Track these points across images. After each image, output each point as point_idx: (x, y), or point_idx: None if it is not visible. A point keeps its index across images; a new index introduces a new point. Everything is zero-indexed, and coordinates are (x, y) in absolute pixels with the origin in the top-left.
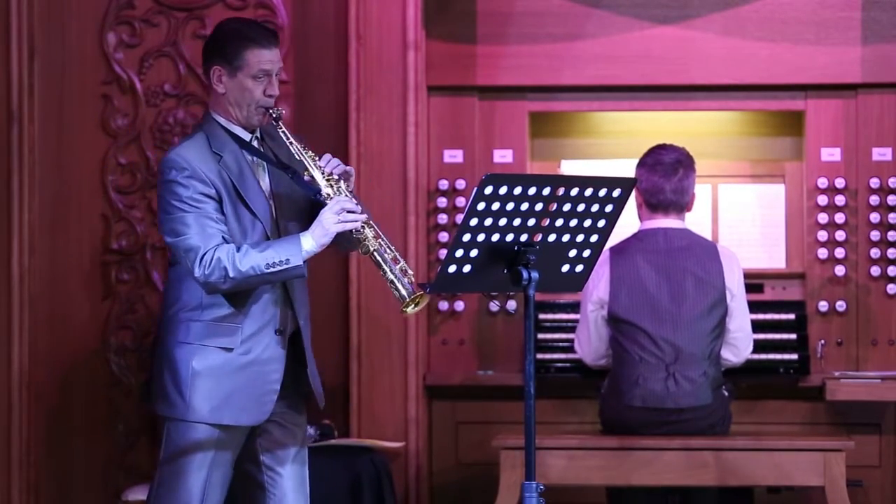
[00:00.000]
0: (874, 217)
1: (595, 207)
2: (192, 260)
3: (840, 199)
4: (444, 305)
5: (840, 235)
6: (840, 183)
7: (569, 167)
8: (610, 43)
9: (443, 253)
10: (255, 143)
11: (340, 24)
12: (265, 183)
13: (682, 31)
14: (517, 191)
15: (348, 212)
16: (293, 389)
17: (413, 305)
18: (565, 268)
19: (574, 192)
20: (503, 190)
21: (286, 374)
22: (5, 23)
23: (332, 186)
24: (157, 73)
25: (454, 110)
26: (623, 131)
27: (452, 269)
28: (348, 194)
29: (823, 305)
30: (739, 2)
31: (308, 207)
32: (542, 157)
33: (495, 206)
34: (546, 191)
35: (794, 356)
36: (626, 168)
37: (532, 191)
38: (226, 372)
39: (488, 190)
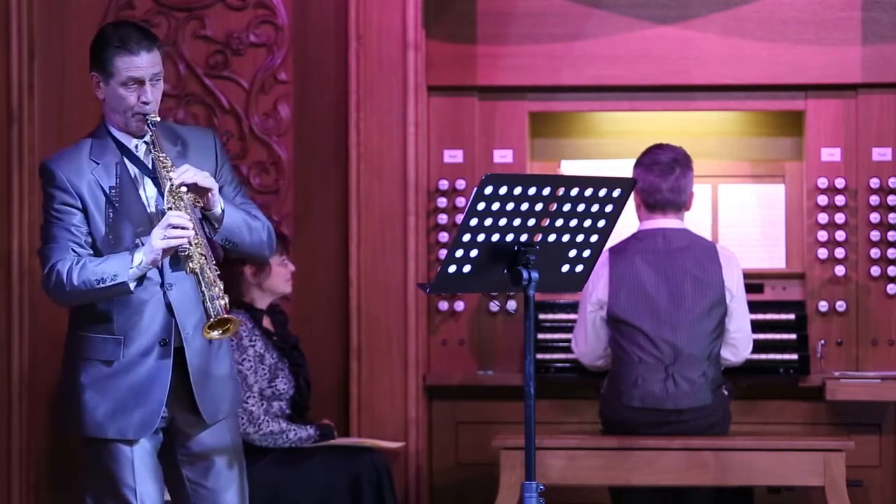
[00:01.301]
0: (874, 217)
1: (595, 207)
2: (42, 271)
3: (840, 199)
4: (444, 305)
5: (840, 235)
6: (840, 183)
7: (569, 167)
8: (610, 43)
9: (443, 253)
10: (141, 150)
11: (340, 24)
12: (152, 193)
13: (682, 31)
14: (517, 191)
15: (176, 228)
16: (187, 402)
17: (216, 331)
18: (565, 268)
19: (574, 192)
20: (503, 190)
21: (182, 384)
22: (5, 23)
23: (173, 199)
24: None
25: (454, 110)
26: (623, 131)
27: (452, 269)
28: (189, 210)
29: (823, 305)
30: (739, 2)
31: (200, 217)
32: (542, 157)
33: (495, 206)
34: (546, 191)
35: (794, 356)
36: (626, 168)
37: (532, 191)
38: (108, 386)
39: (488, 190)
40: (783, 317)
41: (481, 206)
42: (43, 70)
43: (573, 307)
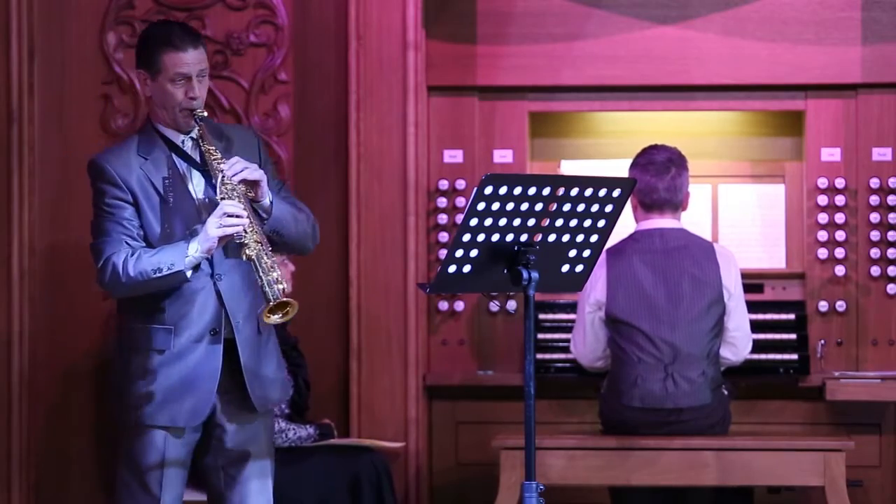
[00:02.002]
0: (874, 217)
1: (595, 207)
2: (96, 265)
3: (840, 199)
4: (444, 305)
5: (840, 235)
6: (840, 183)
7: (569, 167)
8: (610, 43)
9: (443, 253)
10: (188, 145)
11: (340, 24)
12: (200, 186)
13: (682, 31)
14: (517, 191)
15: (231, 216)
16: (238, 393)
17: (276, 314)
18: (565, 268)
19: (574, 192)
20: (503, 190)
21: (229, 377)
22: (5, 23)
23: (226, 191)
24: None
25: (454, 110)
26: (623, 131)
27: (452, 269)
28: (242, 199)
29: (823, 305)
30: (739, 2)
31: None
32: (542, 157)
33: (495, 206)
34: (546, 191)
35: (794, 356)
36: (626, 168)
37: (532, 191)
38: (159, 375)
39: (488, 190)
40: (783, 317)
41: (481, 206)
42: (43, 70)
43: (573, 307)
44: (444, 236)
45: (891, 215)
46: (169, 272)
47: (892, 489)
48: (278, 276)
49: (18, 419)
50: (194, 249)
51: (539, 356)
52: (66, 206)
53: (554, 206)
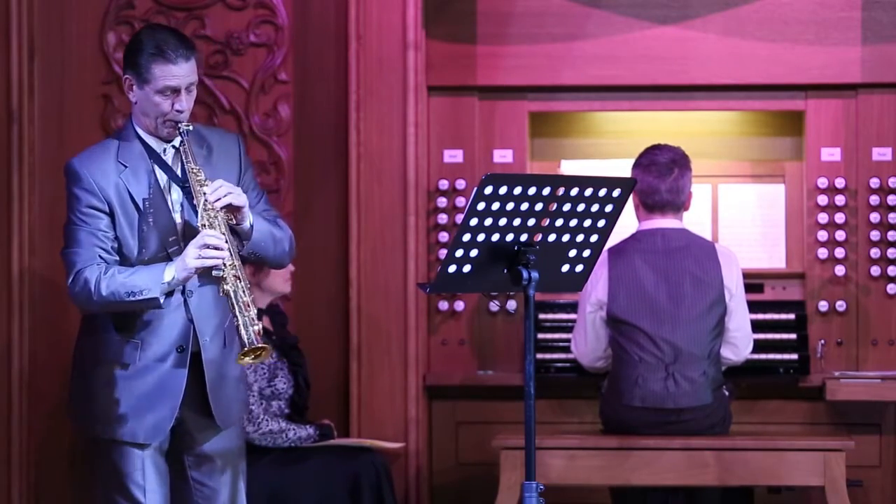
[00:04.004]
0: (874, 217)
1: (595, 207)
2: (67, 275)
3: (840, 199)
4: (444, 305)
5: (840, 235)
6: (840, 183)
7: (569, 167)
8: (610, 43)
9: (443, 253)
10: (169, 154)
11: (340, 24)
12: (178, 200)
13: (682, 31)
14: (517, 191)
15: (210, 248)
16: (201, 405)
17: (251, 357)
18: (565, 268)
19: (574, 192)
20: (503, 190)
21: (196, 388)
22: (5, 23)
23: (207, 216)
24: None
25: (454, 110)
26: (623, 131)
27: (452, 268)
28: (223, 228)
29: (823, 305)
30: (739, 2)
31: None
32: (542, 157)
33: (495, 206)
34: (546, 191)
35: (794, 356)
36: (625, 168)
37: (532, 191)
38: (123, 388)
39: (488, 190)
40: (783, 317)
41: (481, 205)
42: (43, 70)
43: (573, 307)
44: (444, 236)
45: (891, 215)
46: (142, 297)
47: (892, 489)
48: (253, 316)
49: (18, 419)
50: (170, 276)
51: (539, 356)
52: (66, 206)
53: (554, 206)
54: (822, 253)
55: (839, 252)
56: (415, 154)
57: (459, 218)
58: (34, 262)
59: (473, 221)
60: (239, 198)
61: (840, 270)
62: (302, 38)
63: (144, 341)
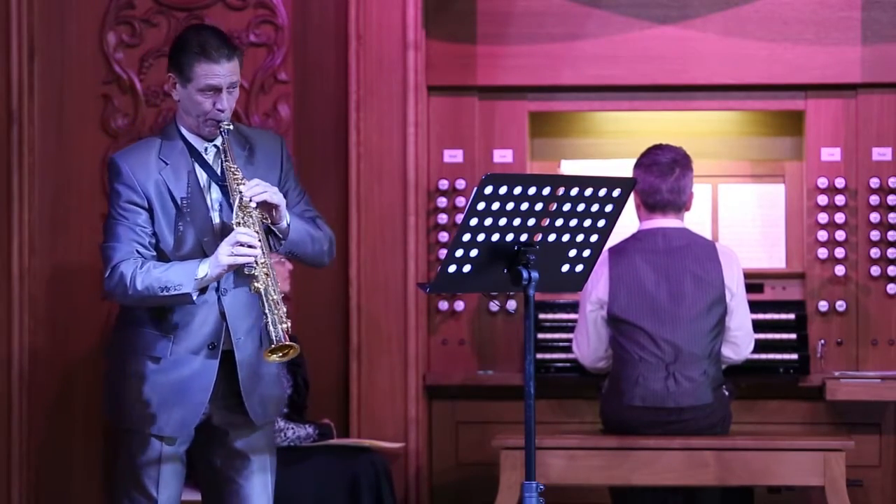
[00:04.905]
0: (874, 217)
1: (595, 207)
2: (104, 269)
3: (840, 199)
4: (444, 305)
5: (840, 235)
6: (840, 183)
7: (569, 167)
8: (610, 43)
9: (443, 253)
10: (210, 153)
11: (340, 24)
12: (217, 199)
13: (682, 31)
14: (517, 191)
15: (244, 246)
16: (237, 400)
17: (278, 354)
18: (565, 268)
19: (574, 192)
20: (503, 190)
21: (228, 386)
22: (5, 23)
23: (242, 214)
24: (158, 73)
25: (454, 110)
26: (623, 131)
27: (452, 268)
28: (257, 227)
29: (823, 305)
30: (739, 2)
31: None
32: (542, 157)
33: (495, 205)
34: (546, 191)
35: (794, 356)
36: (625, 168)
37: (532, 191)
38: (153, 382)
39: (488, 190)
40: (783, 317)
41: (481, 205)
42: (43, 70)
43: (573, 307)
44: (444, 236)
45: (891, 215)
46: (176, 293)
47: (892, 489)
48: (283, 314)
49: (18, 419)
50: (203, 273)
51: (539, 356)
52: (66, 206)
53: (554, 206)
54: (822, 253)
55: (839, 252)
56: (415, 154)
57: (459, 218)
58: (34, 262)
59: (473, 221)
60: (275, 196)
61: (840, 270)
62: (302, 37)
63: (177, 336)
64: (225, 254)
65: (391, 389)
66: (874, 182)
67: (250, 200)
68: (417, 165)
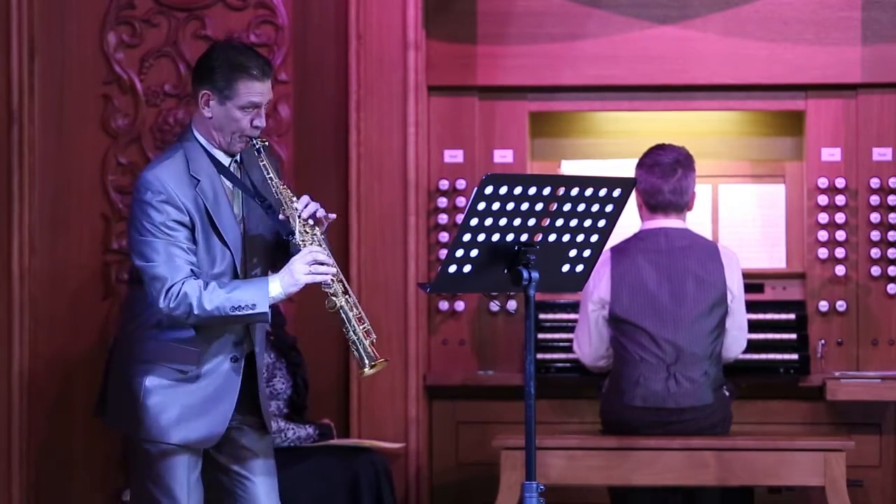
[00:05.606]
0: (874, 217)
1: (595, 207)
2: (157, 290)
3: (840, 199)
4: (444, 305)
5: (840, 235)
6: (840, 183)
7: (569, 167)
8: (610, 43)
9: (443, 253)
10: (233, 168)
11: (340, 24)
12: (237, 210)
13: (682, 31)
14: (517, 191)
15: (320, 264)
16: (250, 406)
17: (372, 369)
18: (565, 268)
19: (574, 192)
20: (503, 190)
21: (244, 392)
22: (5, 23)
23: (307, 233)
24: (158, 73)
25: (454, 110)
26: (623, 131)
27: (453, 269)
28: (322, 243)
29: (823, 305)
30: (739, 2)
31: (275, 241)
32: (542, 157)
33: (495, 206)
34: (546, 191)
35: (795, 356)
36: (626, 168)
37: (532, 191)
38: (178, 393)
39: (488, 190)
40: (783, 317)
41: (481, 205)
42: (43, 70)
43: (573, 307)
44: (444, 236)
45: (891, 215)
46: (250, 312)
47: (892, 489)
48: (368, 328)
49: (18, 419)
50: (276, 291)
51: (539, 356)
52: (66, 206)
53: (554, 206)
54: (823, 253)
55: (839, 252)
56: (415, 154)
57: (460, 218)
58: (34, 262)
59: (474, 221)
60: (321, 210)
61: (840, 270)
62: (302, 37)
63: (203, 349)
64: (302, 272)
65: (391, 389)
66: (874, 182)
67: (309, 217)
68: (418, 165)
